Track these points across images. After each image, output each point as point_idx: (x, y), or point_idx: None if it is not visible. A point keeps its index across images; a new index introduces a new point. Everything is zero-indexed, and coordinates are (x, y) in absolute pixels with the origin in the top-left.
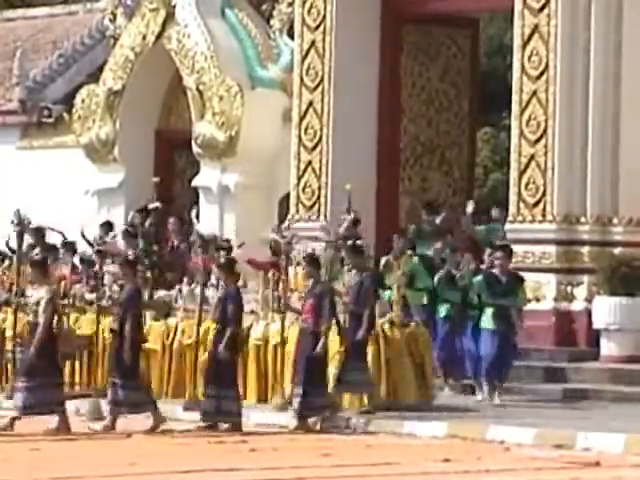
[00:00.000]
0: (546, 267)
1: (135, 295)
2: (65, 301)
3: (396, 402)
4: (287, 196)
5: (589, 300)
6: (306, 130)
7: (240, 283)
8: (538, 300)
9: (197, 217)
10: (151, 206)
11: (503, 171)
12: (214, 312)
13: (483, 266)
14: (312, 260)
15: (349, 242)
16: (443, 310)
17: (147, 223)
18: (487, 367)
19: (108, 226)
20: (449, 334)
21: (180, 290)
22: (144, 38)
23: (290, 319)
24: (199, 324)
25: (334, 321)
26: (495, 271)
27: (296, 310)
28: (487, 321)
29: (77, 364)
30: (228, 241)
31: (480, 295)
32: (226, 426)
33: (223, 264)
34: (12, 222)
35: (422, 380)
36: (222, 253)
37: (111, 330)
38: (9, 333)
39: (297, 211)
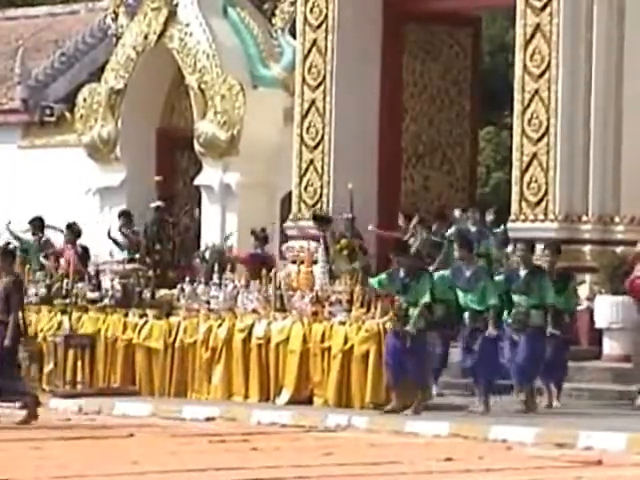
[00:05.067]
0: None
1: None
2: (67, 300)
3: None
4: (289, 195)
5: (591, 299)
6: (308, 129)
7: (243, 282)
8: None
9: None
10: (152, 205)
11: (505, 170)
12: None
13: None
14: (4, 253)
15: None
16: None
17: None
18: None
19: (127, 216)
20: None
21: (182, 289)
22: (146, 37)
23: (292, 318)
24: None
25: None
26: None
27: None
28: None
29: (79, 363)
30: (264, 230)
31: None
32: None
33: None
34: None
35: None
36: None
37: None
38: None
39: (299, 210)
